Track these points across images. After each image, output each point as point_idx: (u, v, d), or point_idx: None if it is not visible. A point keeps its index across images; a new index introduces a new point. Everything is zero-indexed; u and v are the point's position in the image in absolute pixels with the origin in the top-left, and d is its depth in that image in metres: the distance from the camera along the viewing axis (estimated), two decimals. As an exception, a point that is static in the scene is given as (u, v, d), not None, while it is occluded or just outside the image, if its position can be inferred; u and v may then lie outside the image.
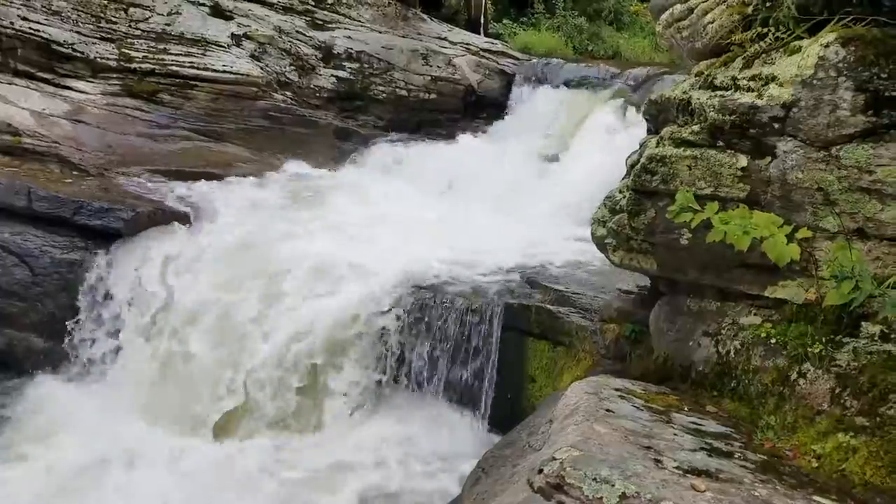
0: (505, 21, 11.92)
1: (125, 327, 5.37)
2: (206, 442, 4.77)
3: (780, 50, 2.88)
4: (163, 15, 8.21)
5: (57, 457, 4.54)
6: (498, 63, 9.50)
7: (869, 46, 2.60)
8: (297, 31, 8.86)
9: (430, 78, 9.00)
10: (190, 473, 4.42)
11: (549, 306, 4.63)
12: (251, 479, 4.36)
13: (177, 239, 5.75)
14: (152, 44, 7.95)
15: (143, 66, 7.74)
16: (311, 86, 8.55)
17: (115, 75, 7.65)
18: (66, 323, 5.42)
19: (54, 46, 7.34)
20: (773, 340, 2.79)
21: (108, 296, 5.49)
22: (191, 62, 7.90)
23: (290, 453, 4.59)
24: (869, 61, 2.59)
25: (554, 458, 2.12)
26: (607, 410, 2.57)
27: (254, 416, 4.83)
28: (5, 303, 5.45)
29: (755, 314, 2.96)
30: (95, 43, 7.67)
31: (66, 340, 5.42)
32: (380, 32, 9.37)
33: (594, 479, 2.01)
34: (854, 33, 2.66)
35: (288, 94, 8.32)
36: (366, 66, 8.83)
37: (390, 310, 4.89)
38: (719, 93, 2.95)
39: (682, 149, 3.01)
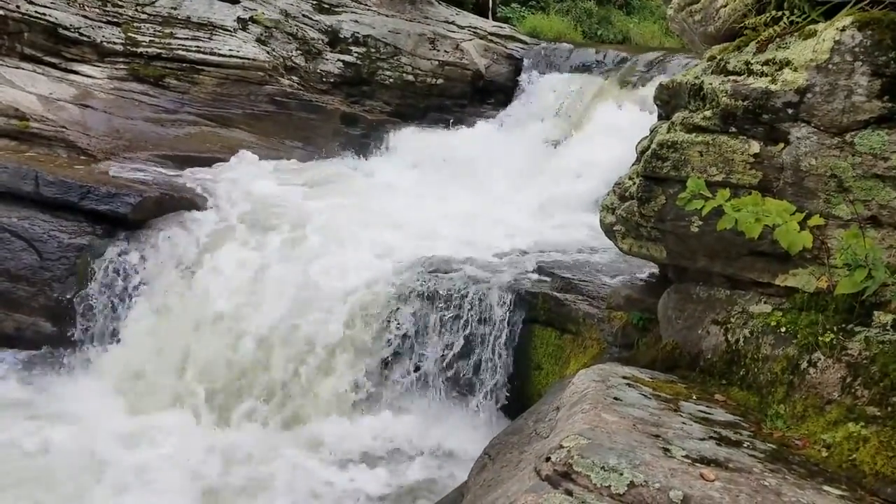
0: (513, 4, 11.83)
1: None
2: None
3: (795, 34, 2.82)
4: (169, -2, 8.17)
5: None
6: (506, 47, 9.41)
7: (886, 30, 2.55)
8: (304, 15, 8.80)
9: (437, 63, 8.93)
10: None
11: (556, 293, 4.61)
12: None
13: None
14: (158, 28, 7.92)
15: (149, 50, 7.71)
16: (318, 70, 8.51)
17: (121, 59, 7.63)
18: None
19: (61, 30, 7.32)
20: (783, 329, 2.76)
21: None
22: (197, 46, 7.86)
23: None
24: (886, 45, 2.54)
25: (561, 447, 2.11)
26: (615, 398, 2.55)
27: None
28: (13, 287, 5.47)
29: (765, 302, 2.93)
30: (101, 27, 7.65)
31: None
32: (387, 16, 9.30)
33: (602, 468, 1.99)
34: (871, 17, 2.60)
35: (294, 78, 8.28)
36: (373, 50, 8.77)
37: (397, 294, 4.89)
38: (732, 77, 2.90)
39: (694, 134, 2.97)
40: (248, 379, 4.83)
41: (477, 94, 9.09)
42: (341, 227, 5.64)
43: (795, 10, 2.87)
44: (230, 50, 7.93)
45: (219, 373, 4.85)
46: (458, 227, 5.88)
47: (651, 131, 3.51)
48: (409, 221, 5.95)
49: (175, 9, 8.10)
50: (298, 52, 8.44)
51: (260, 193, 6.31)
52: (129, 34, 7.75)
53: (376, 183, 7.15)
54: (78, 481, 4.08)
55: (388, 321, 4.81)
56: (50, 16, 7.30)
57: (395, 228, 5.77)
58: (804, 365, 2.62)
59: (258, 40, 8.21)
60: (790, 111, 2.72)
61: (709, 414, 2.59)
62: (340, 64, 8.63)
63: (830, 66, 2.62)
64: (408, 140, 8.13)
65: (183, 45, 7.83)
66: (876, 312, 2.57)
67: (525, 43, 9.58)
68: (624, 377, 2.84)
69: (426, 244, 5.41)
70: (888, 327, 2.51)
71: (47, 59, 7.29)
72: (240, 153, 7.36)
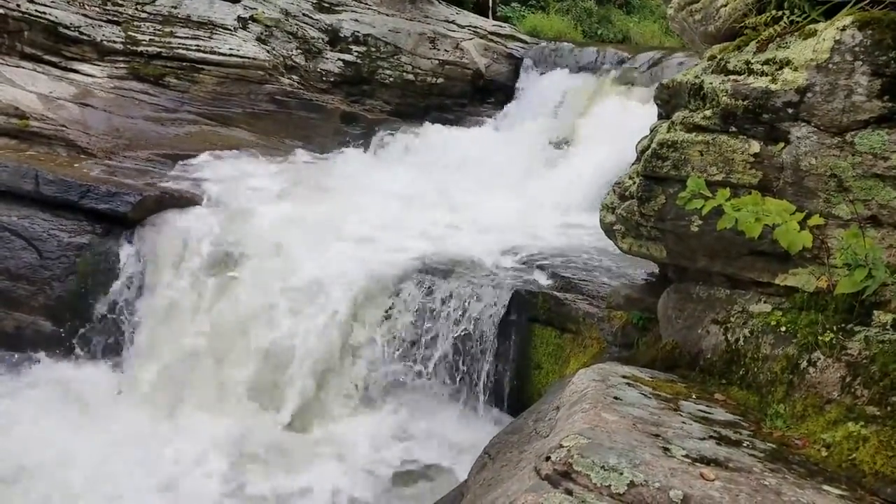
0: (513, 4, 11.82)
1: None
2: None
3: (795, 34, 2.82)
4: (169, -3, 8.17)
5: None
6: (506, 47, 9.41)
7: (886, 30, 2.55)
8: (304, 14, 8.80)
9: (437, 62, 8.93)
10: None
11: (556, 293, 4.61)
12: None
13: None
14: (159, 27, 7.91)
15: (149, 49, 7.71)
16: (318, 70, 8.51)
17: (121, 58, 7.63)
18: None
19: (61, 29, 7.32)
20: (782, 328, 2.76)
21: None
22: (197, 45, 7.86)
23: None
24: (886, 45, 2.53)
25: (561, 446, 2.11)
26: (615, 398, 2.55)
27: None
28: (13, 286, 5.47)
29: (765, 302, 2.93)
30: (102, 26, 7.65)
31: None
32: (387, 15, 9.29)
33: (602, 468, 1.99)
34: (871, 16, 2.60)
35: (294, 77, 8.28)
36: (373, 49, 8.77)
37: (397, 293, 4.88)
38: (732, 77, 2.90)
39: (694, 134, 2.97)
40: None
41: (477, 94, 9.09)
42: (303, 254, 5.18)
43: (796, 10, 2.87)
44: (230, 49, 7.93)
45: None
46: (456, 226, 5.86)
47: (651, 131, 3.51)
48: (396, 225, 5.82)
49: (175, 7, 8.10)
50: (298, 51, 8.44)
51: (242, 199, 6.03)
52: (130, 33, 7.75)
53: (372, 183, 7.11)
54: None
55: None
56: (50, 15, 7.30)
57: (391, 229, 5.62)
58: (804, 364, 2.62)
59: (258, 39, 8.21)
60: (790, 111, 2.72)
61: (708, 413, 2.59)
62: (340, 63, 8.62)
63: (830, 65, 2.62)
64: (407, 139, 8.12)
65: (183, 44, 7.83)
66: (876, 312, 2.57)
67: (525, 42, 9.58)
68: (624, 376, 2.84)
69: (425, 243, 5.38)
70: (888, 327, 2.51)
71: (47, 57, 7.29)
72: (208, 153, 7.09)
